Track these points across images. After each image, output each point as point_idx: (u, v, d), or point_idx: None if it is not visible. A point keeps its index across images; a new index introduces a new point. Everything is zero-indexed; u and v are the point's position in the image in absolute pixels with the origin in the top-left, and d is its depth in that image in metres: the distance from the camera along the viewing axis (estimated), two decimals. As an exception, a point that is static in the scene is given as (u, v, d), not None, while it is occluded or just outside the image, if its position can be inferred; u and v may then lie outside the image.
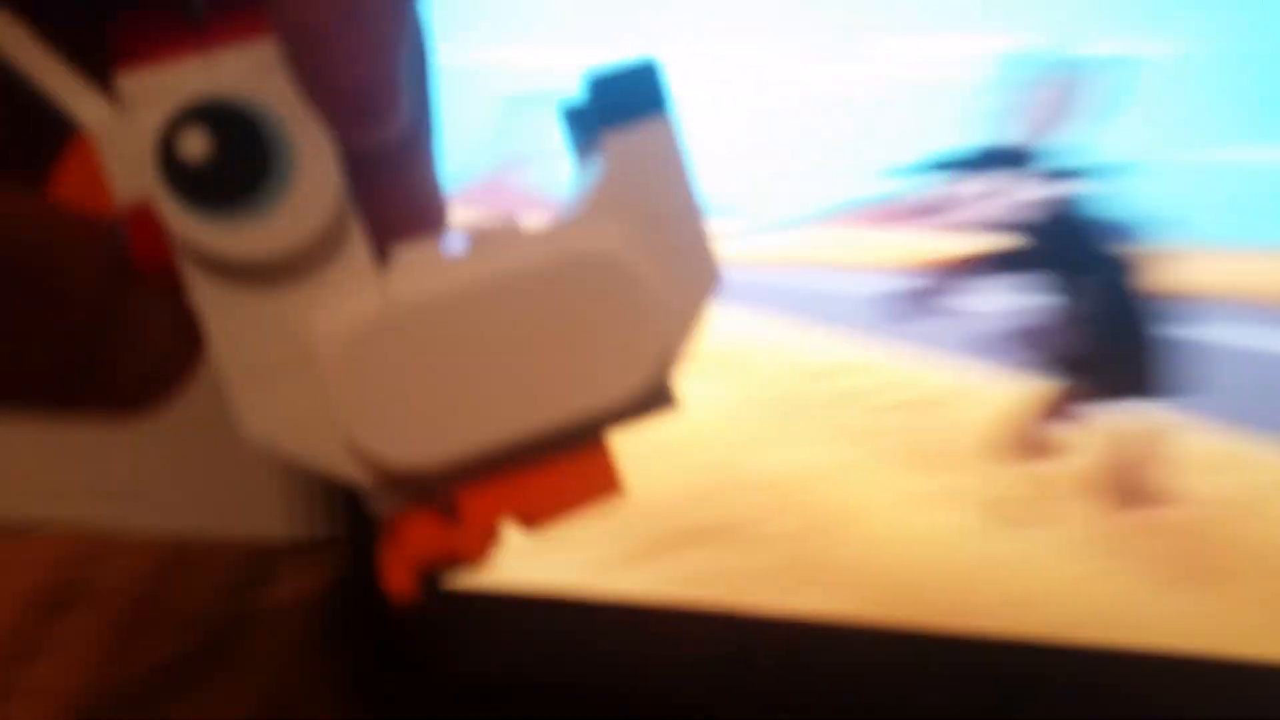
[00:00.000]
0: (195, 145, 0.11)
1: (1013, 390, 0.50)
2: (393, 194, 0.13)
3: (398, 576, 0.13)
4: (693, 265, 0.14)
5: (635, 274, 0.13)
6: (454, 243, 0.13)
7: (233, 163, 0.11)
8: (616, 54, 0.14)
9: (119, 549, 0.38)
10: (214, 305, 0.12)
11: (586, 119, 0.13)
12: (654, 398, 0.13)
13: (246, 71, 0.12)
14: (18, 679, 0.35)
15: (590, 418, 0.13)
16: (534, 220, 0.13)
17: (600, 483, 0.13)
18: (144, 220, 0.12)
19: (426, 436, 0.12)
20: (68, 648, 0.36)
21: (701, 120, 0.52)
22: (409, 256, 0.13)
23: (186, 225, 0.11)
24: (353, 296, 0.12)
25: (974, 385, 0.52)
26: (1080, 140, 0.50)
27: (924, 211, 0.52)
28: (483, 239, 0.13)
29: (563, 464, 0.13)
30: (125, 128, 0.11)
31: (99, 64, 0.12)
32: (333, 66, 0.11)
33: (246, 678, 0.40)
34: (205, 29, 0.12)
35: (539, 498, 0.13)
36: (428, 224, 0.13)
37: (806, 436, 0.54)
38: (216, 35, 0.12)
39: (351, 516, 0.15)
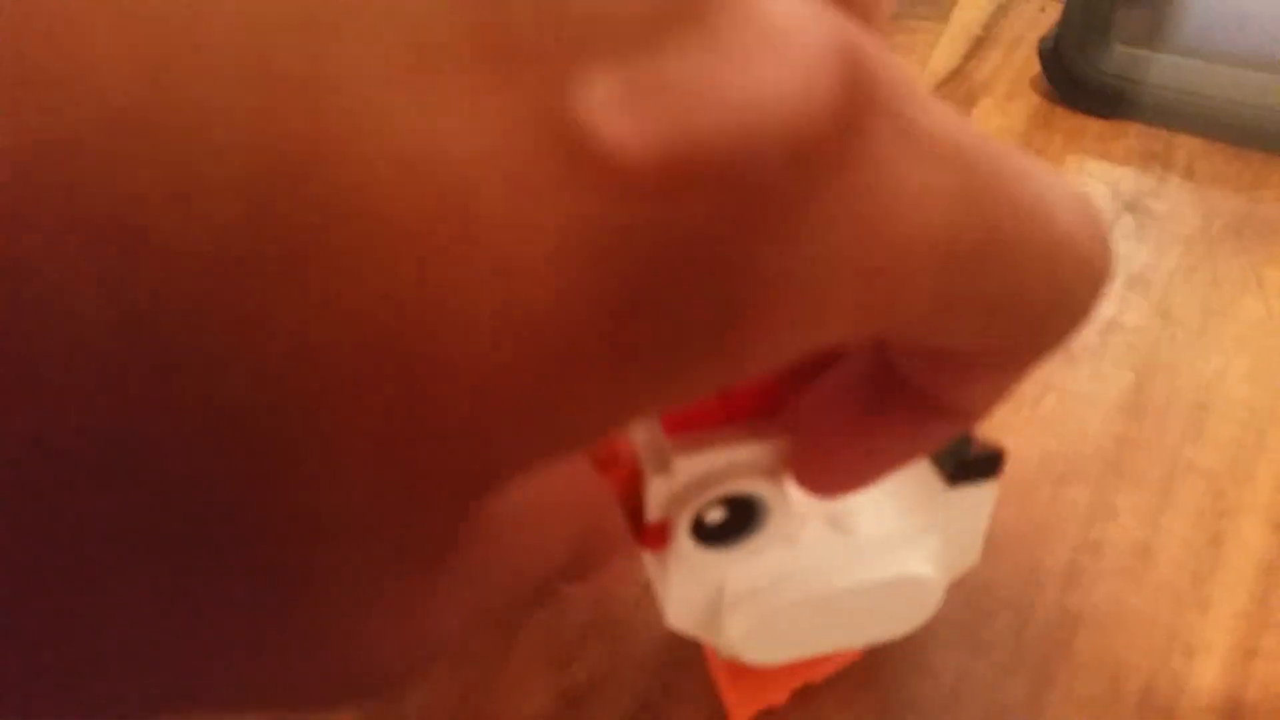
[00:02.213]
0: (714, 517, 0.16)
1: None
2: None
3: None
4: (967, 558, 0.20)
5: (936, 585, 0.19)
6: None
7: (733, 524, 0.17)
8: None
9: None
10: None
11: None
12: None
13: (759, 465, 0.16)
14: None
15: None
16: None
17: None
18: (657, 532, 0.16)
19: (778, 652, 0.19)
20: None
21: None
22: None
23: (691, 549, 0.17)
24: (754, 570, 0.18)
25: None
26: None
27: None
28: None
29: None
30: (671, 489, 0.16)
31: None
32: (831, 477, 0.14)
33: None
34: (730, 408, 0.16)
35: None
36: None
37: None
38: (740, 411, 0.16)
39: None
